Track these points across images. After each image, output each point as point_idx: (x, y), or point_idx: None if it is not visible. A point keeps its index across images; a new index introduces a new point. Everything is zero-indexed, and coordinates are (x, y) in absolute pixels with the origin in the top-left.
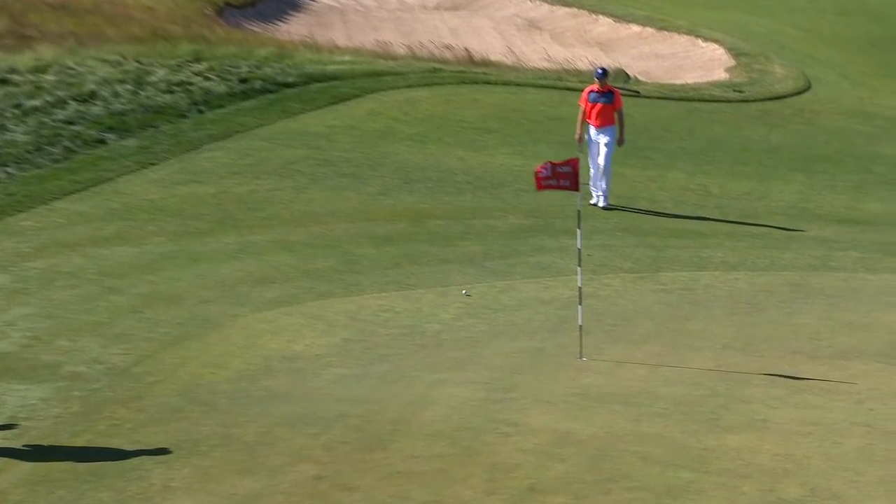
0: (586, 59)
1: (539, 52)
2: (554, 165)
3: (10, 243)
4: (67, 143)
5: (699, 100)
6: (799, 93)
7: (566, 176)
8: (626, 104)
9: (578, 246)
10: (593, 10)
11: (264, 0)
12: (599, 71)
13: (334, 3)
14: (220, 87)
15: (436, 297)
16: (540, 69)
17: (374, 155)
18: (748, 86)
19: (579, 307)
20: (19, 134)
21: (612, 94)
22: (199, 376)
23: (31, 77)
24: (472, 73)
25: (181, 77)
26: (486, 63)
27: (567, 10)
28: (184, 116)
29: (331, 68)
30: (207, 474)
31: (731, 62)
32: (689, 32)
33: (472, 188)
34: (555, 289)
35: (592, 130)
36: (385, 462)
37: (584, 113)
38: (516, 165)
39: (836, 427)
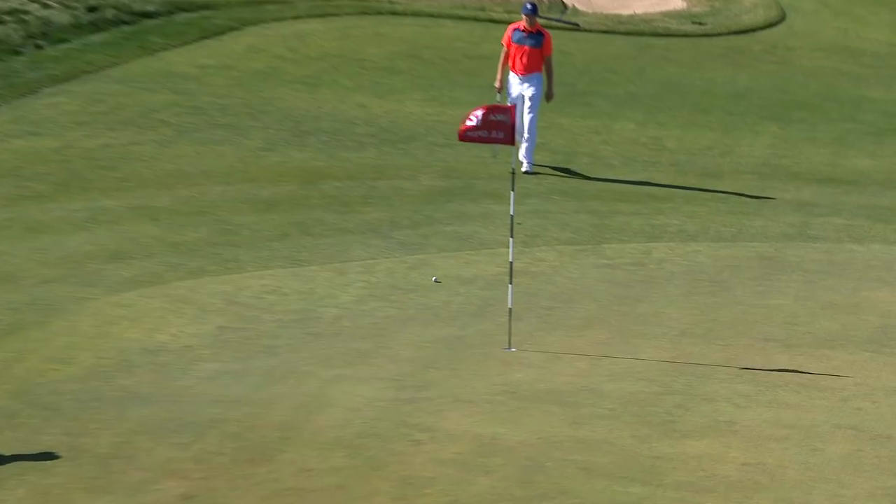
0: None
1: None
2: (487, 112)
3: None
4: None
5: (651, 34)
6: (771, 25)
7: (500, 126)
8: (564, 40)
9: (511, 212)
10: None
11: None
12: (528, 6)
13: None
14: (62, 17)
15: (333, 276)
16: None
17: (256, 101)
18: (710, 16)
19: (508, 287)
20: None
21: (541, 35)
22: (40, 373)
23: None
24: (374, 0)
25: (13, 4)
26: None
27: None
28: (17, 53)
29: None
30: (48, 495)
31: None
32: None
33: (377, 142)
34: (478, 264)
35: (515, 78)
36: (271, 477)
37: (507, 56)
38: (430, 114)
39: (817, 430)
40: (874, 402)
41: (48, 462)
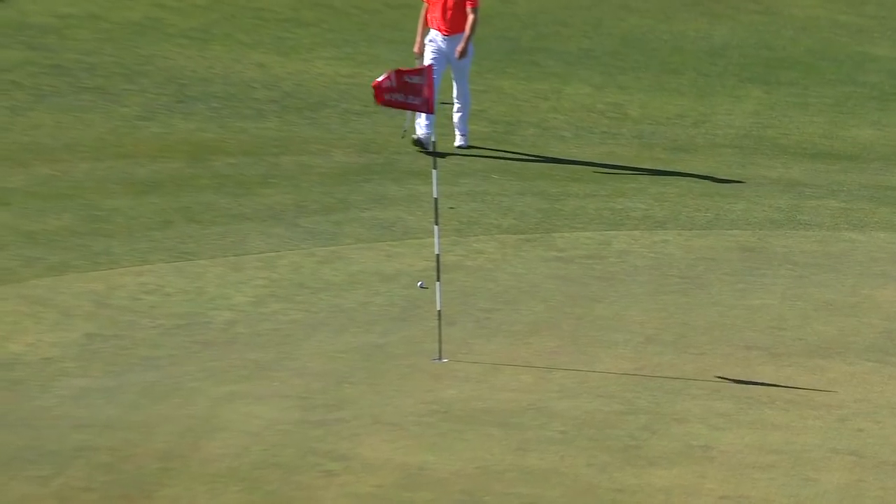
0: None
1: None
2: (401, 74)
3: None
4: None
5: None
6: None
7: (417, 90)
8: None
9: (435, 195)
10: None
11: None
12: None
13: None
14: None
15: (226, 272)
16: None
17: (131, 60)
18: None
19: (437, 285)
20: None
21: None
22: None
23: None
24: None
25: None
26: None
27: None
28: None
29: None
30: None
31: None
32: None
33: (279, 109)
34: (401, 257)
35: (437, 37)
36: None
37: (428, 12)
38: (343, 76)
39: (809, 456)
40: (878, 423)
41: None
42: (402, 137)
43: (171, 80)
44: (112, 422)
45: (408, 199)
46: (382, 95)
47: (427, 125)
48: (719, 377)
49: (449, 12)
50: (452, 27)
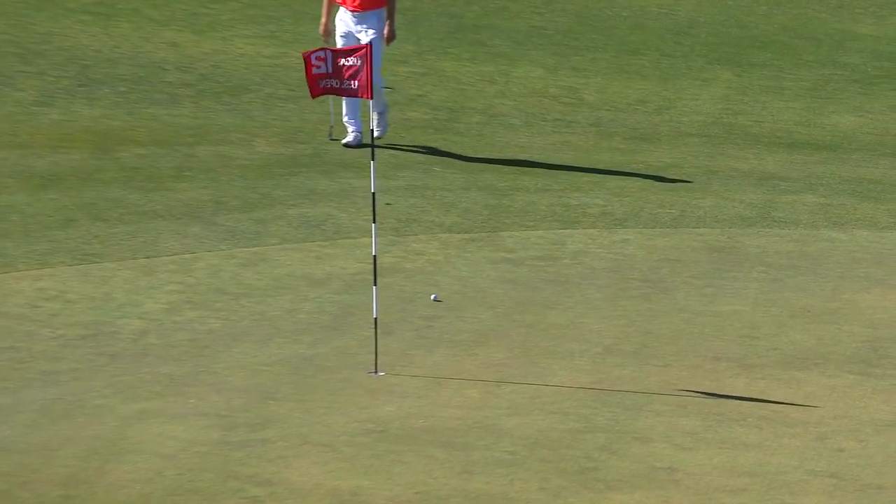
0: None
1: None
2: (336, 55)
3: None
4: None
5: None
6: None
7: (352, 73)
8: None
9: (373, 189)
10: None
11: None
12: None
13: None
14: None
15: (135, 276)
16: None
17: (27, 38)
18: None
19: (373, 289)
20: None
21: None
22: None
23: None
24: None
25: None
26: None
27: None
28: None
29: None
30: None
31: None
32: None
33: (194, 94)
34: (333, 259)
35: (348, 17)
36: None
37: None
38: (266, 56)
39: (785, 479)
40: (860, 442)
41: None
42: (331, 139)
43: (72, 60)
44: (7, 444)
45: (339, 195)
46: (317, 85)
47: (356, 123)
48: (685, 391)
49: None
50: (365, 2)
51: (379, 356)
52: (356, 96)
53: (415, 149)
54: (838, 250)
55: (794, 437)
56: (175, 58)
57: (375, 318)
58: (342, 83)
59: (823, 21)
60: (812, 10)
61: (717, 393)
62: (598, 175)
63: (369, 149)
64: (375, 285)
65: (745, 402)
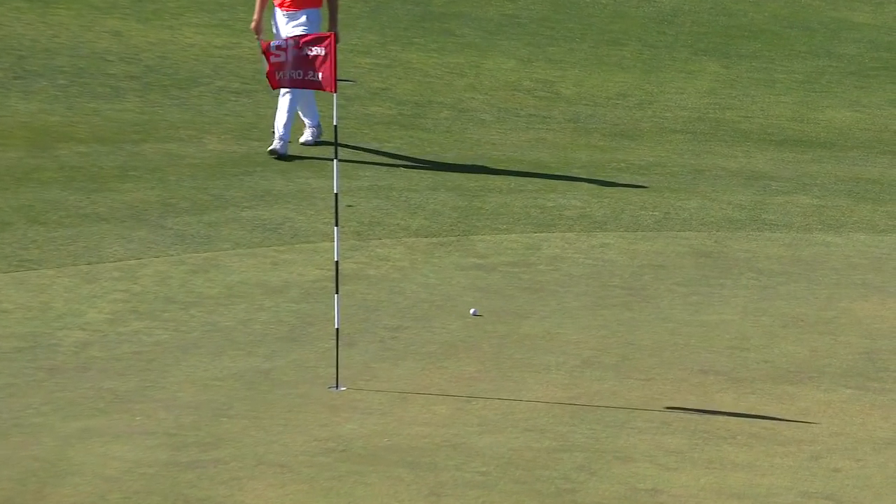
0: None
1: None
2: (298, 42)
3: None
4: None
5: None
6: None
7: (316, 64)
8: None
9: (336, 189)
10: None
11: None
12: None
13: None
14: None
15: (77, 284)
16: None
17: None
18: None
19: (335, 298)
20: None
21: None
22: None
23: None
24: None
25: None
26: None
27: None
28: None
29: None
30: None
31: None
32: None
33: (141, 87)
34: (290, 266)
35: (279, 15)
36: None
37: None
38: (218, 47)
39: (777, 501)
40: (857, 461)
41: None
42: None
43: (7, 51)
44: None
45: (297, 196)
46: (275, 77)
47: (285, 126)
48: (670, 407)
49: None
50: (299, 2)
51: (340, 370)
52: (320, 89)
53: (378, 146)
54: (833, 255)
55: (787, 456)
56: (119, 48)
57: (337, 329)
58: (305, 74)
59: (817, 9)
60: None
61: (704, 409)
62: (576, 174)
63: (330, 146)
64: (337, 293)
65: (733, 418)
